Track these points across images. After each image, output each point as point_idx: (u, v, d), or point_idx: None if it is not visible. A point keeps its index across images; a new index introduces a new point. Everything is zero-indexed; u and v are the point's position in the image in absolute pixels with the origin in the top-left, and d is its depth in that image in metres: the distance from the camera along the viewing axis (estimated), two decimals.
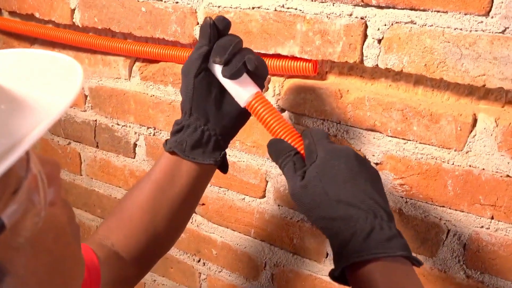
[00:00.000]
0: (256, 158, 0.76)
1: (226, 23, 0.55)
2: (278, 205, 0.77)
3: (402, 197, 0.65)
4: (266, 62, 0.62)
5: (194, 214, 0.89)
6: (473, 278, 0.63)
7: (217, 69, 0.54)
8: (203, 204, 0.87)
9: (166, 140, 0.58)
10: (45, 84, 0.27)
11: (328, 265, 0.75)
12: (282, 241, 0.79)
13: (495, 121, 0.56)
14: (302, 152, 0.52)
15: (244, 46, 0.56)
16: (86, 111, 0.96)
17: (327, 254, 0.75)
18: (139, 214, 0.57)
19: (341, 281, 0.47)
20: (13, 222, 0.24)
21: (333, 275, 0.47)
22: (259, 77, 0.56)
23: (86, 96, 0.95)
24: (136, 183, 0.61)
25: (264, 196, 0.78)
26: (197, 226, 0.90)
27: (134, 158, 0.93)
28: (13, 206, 0.24)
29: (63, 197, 0.32)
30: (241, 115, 0.58)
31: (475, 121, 0.57)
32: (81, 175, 1.05)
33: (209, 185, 0.83)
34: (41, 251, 0.27)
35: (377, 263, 0.43)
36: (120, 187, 0.99)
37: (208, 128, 0.57)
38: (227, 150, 0.60)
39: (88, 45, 0.85)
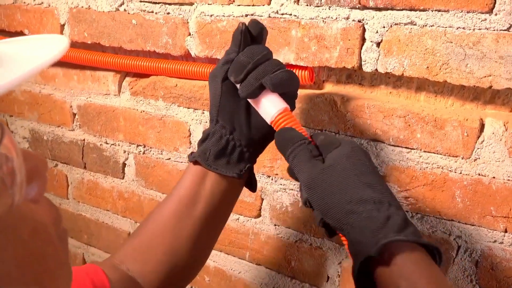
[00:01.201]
0: None
1: (260, 29, 0.51)
2: (275, 225, 0.72)
3: (407, 212, 0.60)
4: None
5: None
6: None
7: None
8: None
9: (192, 152, 0.54)
10: (31, 45, 0.26)
11: None
12: (279, 264, 0.74)
13: (504, 125, 0.52)
14: None
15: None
16: (74, 130, 0.93)
17: (328, 278, 0.69)
18: (160, 236, 0.51)
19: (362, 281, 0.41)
20: None
21: (356, 269, 0.40)
22: (287, 95, 0.50)
23: (74, 115, 0.91)
24: (159, 203, 0.55)
25: (259, 215, 0.74)
26: None
27: (123, 178, 0.89)
28: None
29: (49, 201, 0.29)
30: (270, 131, 0.52)
31: (482, 126, 0.53)
32: (68, 199, 1.00)
33: None
34: (12, 241, 0.24)
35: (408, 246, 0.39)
36: (108, 210, 0.94)
37: (233, 137, 0.52)
38: None
39: (78, 60, 0.82)
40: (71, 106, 0.91)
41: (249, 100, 0.51)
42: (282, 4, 0.61)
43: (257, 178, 0.71)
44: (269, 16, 0.63)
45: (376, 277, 0.40)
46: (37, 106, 0.97)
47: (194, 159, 0.52)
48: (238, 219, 0.76)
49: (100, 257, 0.99)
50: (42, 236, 0.26)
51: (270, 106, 0.49)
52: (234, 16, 0.65)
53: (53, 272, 0.27)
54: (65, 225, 0.30)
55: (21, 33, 0.91)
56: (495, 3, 0.49)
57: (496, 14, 0.49)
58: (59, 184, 1.00)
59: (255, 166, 0.70)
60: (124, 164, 0.88)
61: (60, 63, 0.89)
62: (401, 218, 0.40)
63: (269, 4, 0.62)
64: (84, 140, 0.92)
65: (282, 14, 0.62)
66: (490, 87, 0.51)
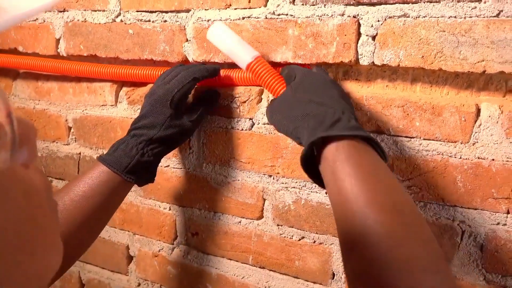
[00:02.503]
0: (251, 174, 0.72)
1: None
2: (278, 225, 0.72)
3: None
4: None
5: (185, 247, 0.83)
6: (494, 283, 0.58)
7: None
8: (196, 234, 0.81)
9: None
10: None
11: (335, 287, 0.69)
12: (283, 264, 0.73)
13: (500, 108, 0.54)
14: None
15: None
16: (69, 144, 0.92)
17: (334, 275, 0.69)
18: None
19: (310, 170, 0.51)
20: None
21: (302, 157, 0.49)
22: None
23: (69, 128, 0.91)
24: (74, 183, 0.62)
25: (262, 217, 0.74)
26: (190, 260, 0.83)
27: None
28: None
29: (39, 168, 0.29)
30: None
31: (478, 110, 0.55)
32: None
33: (201, 210, 0.79)
34: (6, 201, 0.24)
35: (344, 141, 0.47)
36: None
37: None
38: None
39: (73, 72, 0.83)
40: (66, 120, 0.91)
41: (225, 50, 0.63)
42: (278, 5, 0.63)
43: (258, 179, 0.72)
44: (266, 17, 0.65)
45: (321, 170, 0.49)
46: None
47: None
48: (240, 222, 0.76)
49: (97, 273, 0.97)
50: (34, 200, 0.26)
51: (244, 54, 0.62)
52: (231, 20, 0.67)
53: (44, 241, 0.27)
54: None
55: (15, 50, 0.92)
56: None
57: (485, 2, 0.52)
58: None
59: (258, 166, 0.71)
60: None
61: (55, 77, 0.89)
62: (333, 121, 0.48)
63: (265, 6, 0.64)
64: (80, 153, 0.91)
65: (279, 14, 0.64)
66: (484, 71, 0.53)
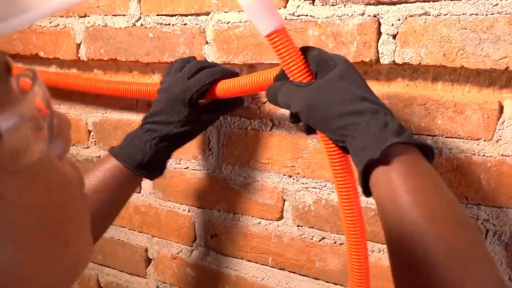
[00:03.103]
0: (271, 175, 0.73)
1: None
2: (298, 226, 0.72)
3: None
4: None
5: (204, 249, 0.83)
6: None
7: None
8: (215, 235, 0.81)
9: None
10: None
11: None
12: (303, 266, 0.73)
13: None
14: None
15: (255, 58, 0.67)
16: (89, 147, 0.93)
17: None
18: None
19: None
20: (10, 133, 0.21)
21: (361, 170, 0.45)
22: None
23: (89, 132, 0.92)
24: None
25: (281, 218, 0.74)
26: (208, 262, 0.83)
27: (139, 192, 0.89)
28: (13, 116, 0.22)
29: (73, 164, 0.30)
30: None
31: (501, 107, 0.55)
32: None
33: (220, 212, 0.79)
34: (39, 186, 0.24)
35: (398, 148, 0.43)
36: (124, 227, 0.93)
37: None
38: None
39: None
40: (86, 123, 0.92)
41: (248, 13, 0.51)
42: (298, 6, 0.64)
43: (278, 179, 0.72)
44: (286, 19, 0.65)
45: (373, 181, 0.45)
46: None
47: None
48: (259, 223, 0.76)
49: (116, 276, 0.97)
50: (68, 192, 0.27)
51: (267, 22, 0.50)
52: (250, 22, 0.68)
53: (77, 233, 0.27)
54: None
55: (36, 56, 0.93)
56: None
57: None
58: None
59: (278, 167, 0.71)
60: None
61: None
62: (397, 124, 0.45)
63: (285, 7, 0.65)
64: (99, 156, 0.92)
65: (299, 15, 0.64)
66: (507, 68, 0.53)
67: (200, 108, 0.65)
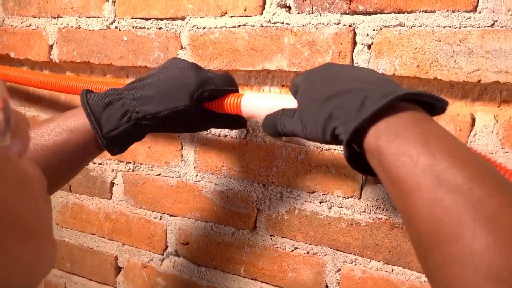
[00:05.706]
0: (245, 184, 0.71)
1: None
2: (271, 235, 0.71)
3: None
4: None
5: (175, 257, 0.81)
6: None
7: None
8: (187, 244, 0.79)
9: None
10: None
11: None
12: (275, 276, 0.72)
13: (494, 118, 0.54)
14: None
15: (230, 64, 0.59)
16: None
17: (327, 286, 0.68)
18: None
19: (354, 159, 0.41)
20: None
21: (347, 143, 0.38)
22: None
23: None
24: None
25: (255, 227, 0.72)
26: (180, 271, 0.81)
27: (110, 199, 0.86)
28: None
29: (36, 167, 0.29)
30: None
31: (473, 120, 0.55)
32: None
33: (192, 220, 0.77)
34: (1, 183, 0.24)
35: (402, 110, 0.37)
36: (93, 234, 0.90)
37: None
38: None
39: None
40: None
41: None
42: (274, 13, 0.63)
43: (252, 188, 0.71)
44: (262, 26, 0.65)
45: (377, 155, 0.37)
46: None
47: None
48: (233, 233, 0.74)
49: (84, 285, 0.94)
50: (28, 189, 0.26)
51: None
52: (226, 27, 0.67)
53: (39, 232, 0.26)
54: None
55: (7, 56, 0.91)
56: (478, 1, 0.52)
57: (480, 12, 0.52)
58: None
59: (252, 175, 0.70)
60: (112, 184, 0.85)
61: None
62: (378, 92, 0.38)
63: (261, 14, 0.65)
64: None
65: (275, 23, 0.64)
66: (479, 81, 0.54)
67: (201, 108, 0.55)
